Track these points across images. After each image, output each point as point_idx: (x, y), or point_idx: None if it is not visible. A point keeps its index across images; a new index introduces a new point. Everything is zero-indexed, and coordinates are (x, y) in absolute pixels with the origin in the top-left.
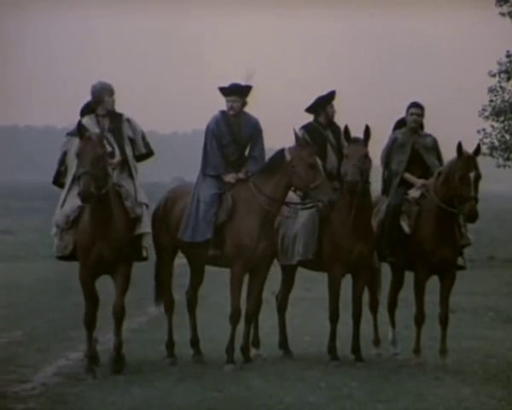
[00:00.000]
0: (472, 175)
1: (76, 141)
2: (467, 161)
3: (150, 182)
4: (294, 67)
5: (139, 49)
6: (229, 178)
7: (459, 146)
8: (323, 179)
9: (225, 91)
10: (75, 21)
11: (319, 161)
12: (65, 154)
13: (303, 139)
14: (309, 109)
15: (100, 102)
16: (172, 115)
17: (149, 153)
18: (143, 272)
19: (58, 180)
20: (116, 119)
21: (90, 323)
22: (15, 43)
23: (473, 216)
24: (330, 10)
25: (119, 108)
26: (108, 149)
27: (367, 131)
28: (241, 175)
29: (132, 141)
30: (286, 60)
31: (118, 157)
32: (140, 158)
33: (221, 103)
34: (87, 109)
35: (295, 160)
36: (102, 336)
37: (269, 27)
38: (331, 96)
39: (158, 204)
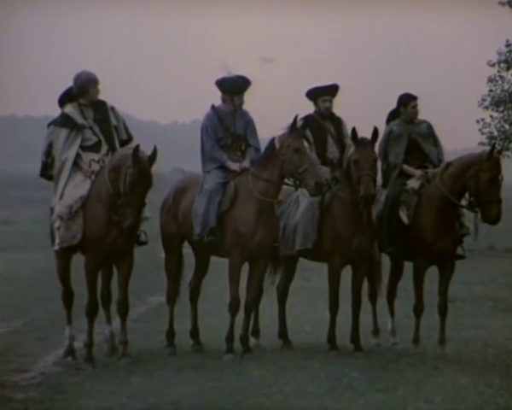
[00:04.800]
0: (500, 177)
1: (62, 132)
2: (497, 163)
3: None
4: (293, 65)
5: (140, 43)
6: (235, 166)
7: (492, 148)
8: (311, 162)
9: (229, 90)
10: (76, 15)
11: (306, 145)
12: (50, 145)
13: (293, 125)
14: (306, 95)
15: (84, 93)
16: (172, 105)
17: (129, 138)
18: (143, 263)
19: (45, 172)
20: (100, 108)
21: (94, 313)
22: (15, 34)
23: (498, 219)
24: (331, 10)
25: (119, 99)
26: (94, 139)
27: (375, 133)
28: (246, 164)
29: (116, 128)
30: (284, 57)
31: (105, 148)
32: (121, 144)
33: (219, 94)
34: (67, 97)
35: (283, 146)
36: (97, 327)
37: (267, 25)
38: (327, 88)
39: (167, 194)
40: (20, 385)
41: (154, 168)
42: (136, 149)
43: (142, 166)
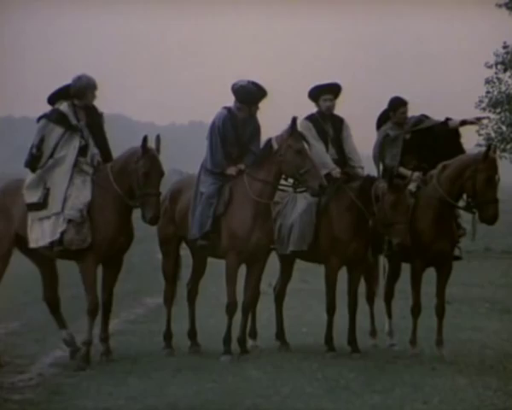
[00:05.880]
0: (496, 178)
1: (56, 129)
2: (493, 164)
3: None
4: (292, 65)
5: (137, 44)
6: (231, 170)
7: (488, 148)
8: (312, 164)
9: (247, 101)
10: (74, 15)
11: (307, 147)
12: (42, 140)
13: (293, 126)
14: (308, 95)
15: (82, 96)
16: (169, 107)
17: None
18: (141, 264)
19: (32, 164)
20: (92, 112)
21: (96, 311)
22: (13, 36)
23: (495, 219)
24: (331, 9)
25: (116, 101)
26: (82, 142)
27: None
28: (241, 167)
29: None
30: (282, 58)
31: (89, 154)
32: None
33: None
34: (60, 95)
35: (283, 147)
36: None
37: (264, 26)
38: (328, 86)
39: (164, 196)
40: (17, 386)
41: None
42: (145, 139)
43: (152, 154)
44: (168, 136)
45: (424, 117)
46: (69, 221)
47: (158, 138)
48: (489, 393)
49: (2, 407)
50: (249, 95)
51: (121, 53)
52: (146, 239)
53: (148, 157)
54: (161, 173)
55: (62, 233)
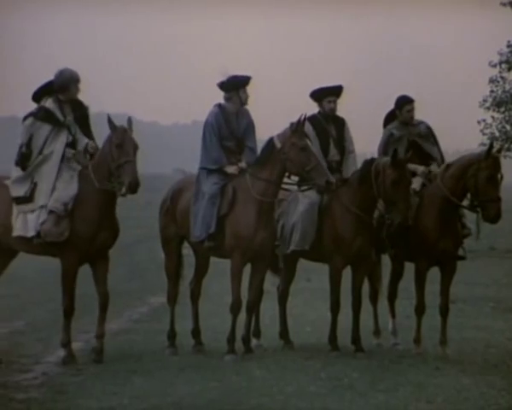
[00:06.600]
0: (499, 176)
1: (43, 127)
2: (495, 162)
3: (151, 172)
4: (290, 65)
5: (141, 43)
6: (232, 169)
7: (490, 146)
8: (318, 161)
9: (234, 86)
10: (77, 15)
11: (310, 143)
12: (31, 138)
13: (298, 124)
14: (310, 95)
15: (66, 90)
16: (173, 106)
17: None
18: (144, 263)
19: (23, 163)
20: (78, 106)
21: (72, 312)
22: (15, 35)
23: (498, 217)
24: (330, 10)
25: (119, 100)
26: (69, 138)
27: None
28: (242, 165)
29: None
30: (281, 57)
31: (91, 145)
32: None
33: (221, 95)
34: (44, 91)
35: (287, 145)
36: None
37: (265, 25)
38: (332, 89)
39: (165, 196)
40: (21, 386)
41: (155, 170)
42: (108, 118)
43: (122, 128)
44: (171, 135)
45: (428, 130)
46: (50, 212)
47: (129, 120)
48: (493, 392)
49: (7, 406)
50: (235, 81)
51: (125, 53)
52: (149, 238)
53: (118, 132)
54: (135, 144)
55: (42, 224)
